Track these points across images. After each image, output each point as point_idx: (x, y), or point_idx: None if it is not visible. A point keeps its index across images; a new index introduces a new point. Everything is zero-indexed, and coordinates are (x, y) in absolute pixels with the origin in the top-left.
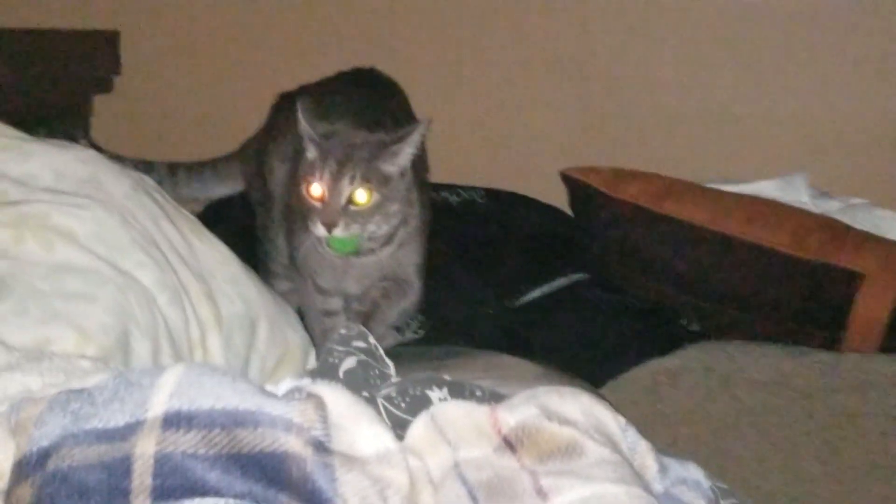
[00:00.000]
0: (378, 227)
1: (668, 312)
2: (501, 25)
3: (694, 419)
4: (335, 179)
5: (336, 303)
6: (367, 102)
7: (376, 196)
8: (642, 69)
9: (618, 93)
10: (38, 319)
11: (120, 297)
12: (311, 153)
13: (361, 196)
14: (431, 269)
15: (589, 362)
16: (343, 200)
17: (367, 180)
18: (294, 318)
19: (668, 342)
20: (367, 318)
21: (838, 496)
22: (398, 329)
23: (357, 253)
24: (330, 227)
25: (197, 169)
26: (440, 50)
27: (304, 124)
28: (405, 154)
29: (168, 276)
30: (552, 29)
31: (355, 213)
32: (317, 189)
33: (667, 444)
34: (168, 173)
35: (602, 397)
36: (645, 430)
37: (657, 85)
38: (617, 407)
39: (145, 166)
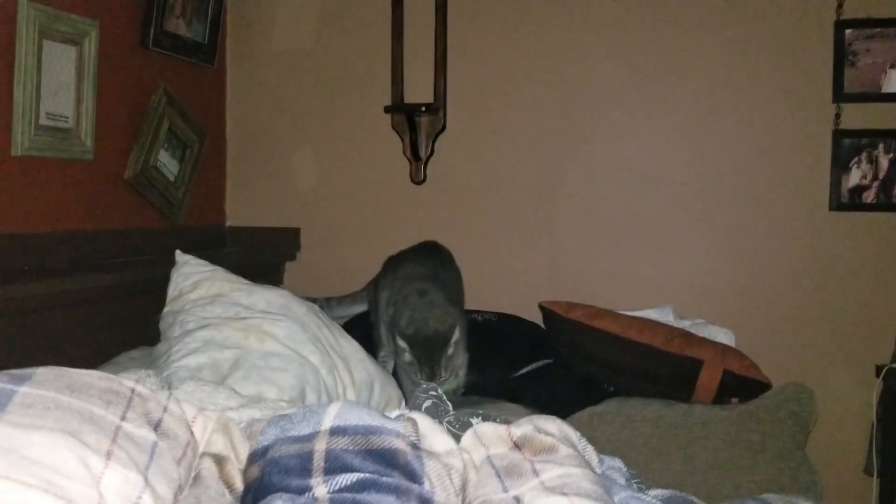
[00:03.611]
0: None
1: (597, 381)
2: (507, 223)
3: (613, 441)
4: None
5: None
6: (433, 263)
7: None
8: (584, 249)
9: (570, 261)
10: (256, 382)
11: (300, 370)
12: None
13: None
14: (468, 360)
15: (552, 409)
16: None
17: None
18: (393, 382)
19: (597, 397)
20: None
21: (694, 484)
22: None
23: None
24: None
25: (342, 299)
26: (474, 236)
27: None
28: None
29: (326, 358)
30: (534, 226)
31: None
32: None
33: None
34: (326, 303)
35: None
36: None
37: (593, 256)
38: None
39: (313, 300)
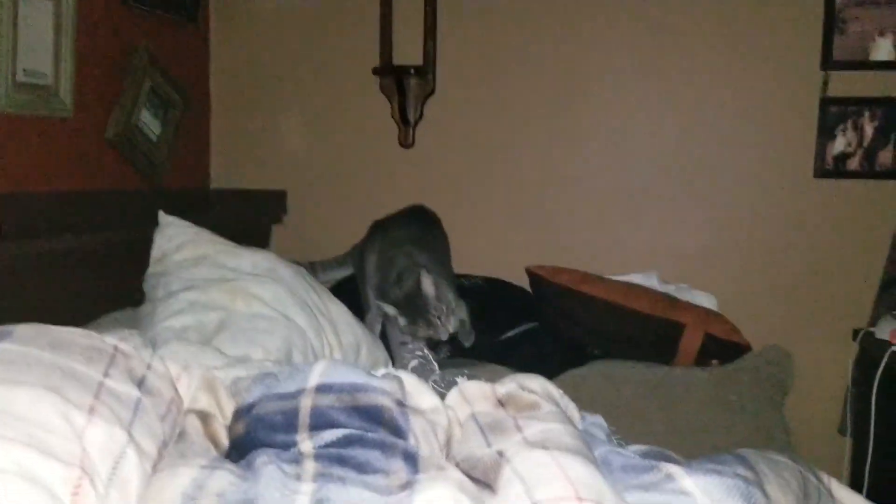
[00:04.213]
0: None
1: (581, 344)
2: (498, 191)
3: (594, 402)
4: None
5: (407, 338)
6: (420, 228)
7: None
8: (571, 215)
9: (558, 226)
10: (242, 344)
11: (287, 332)
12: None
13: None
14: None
15: (538, 371)
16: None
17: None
18: (381, 345)
19: (582, 360)
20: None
21: (674, 444)
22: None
23: None
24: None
25: (328, 264)
26: (464, 202)
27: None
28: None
29: (313, 321)
30: (521, 193)
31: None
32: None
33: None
34: (311, 268)
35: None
36: None
37: (580, 221)
38: None
39: (298, 264)
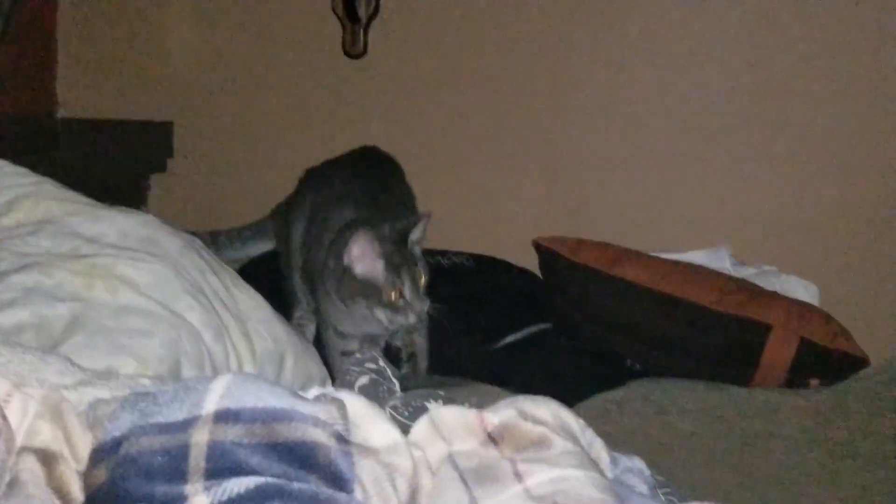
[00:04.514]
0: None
1: (615, 355)
2: (492, 126)
3: (635, 440)
4: (415, 283)
5: (353, 344)
6: (372, 179)
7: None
8: (601, 161)
9: (579, 176)
10: (105, 351)
11: (173, 333)
12: (379, 270)
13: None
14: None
15: (552, 394)
16: (422, 293)
17: (424, 271)
18: (314, 354)
19: (615, 378)
20: (412, 357)
21: (751, 501)
22: (399, 366)
23: None
24: (421, 311)
25: (236, 233)
26: (438, 140)
27: (377, 248)
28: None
29: (212, 317)
30: (527, 126)
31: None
32: (405, 291)
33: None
34: (211, 239)
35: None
36: None
37: (612, 173)
38: None
39: (193, 235)
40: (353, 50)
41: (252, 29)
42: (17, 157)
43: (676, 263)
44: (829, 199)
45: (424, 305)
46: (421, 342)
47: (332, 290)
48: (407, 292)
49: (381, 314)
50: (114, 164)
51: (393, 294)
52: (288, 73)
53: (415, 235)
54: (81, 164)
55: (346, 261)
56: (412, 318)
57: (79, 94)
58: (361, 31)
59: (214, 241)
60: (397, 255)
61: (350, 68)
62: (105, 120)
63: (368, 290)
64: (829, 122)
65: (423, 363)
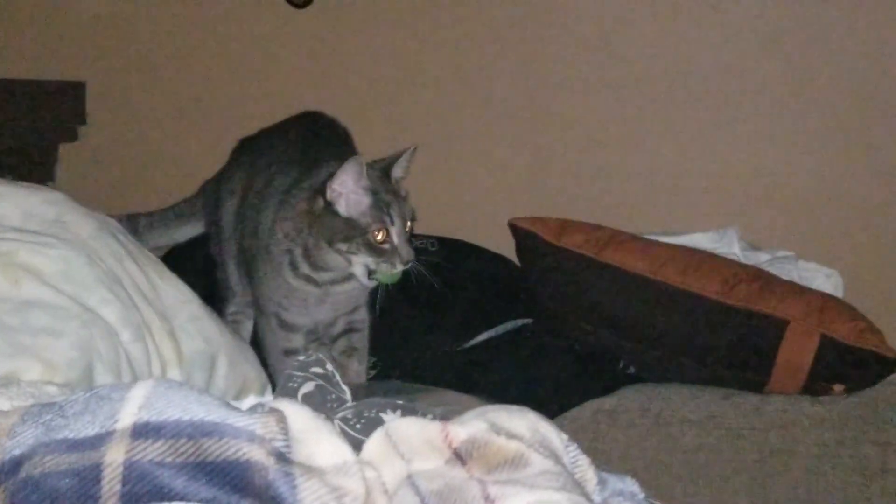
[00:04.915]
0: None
1: (607, 356)
2: (457, 86)
3: (630, 455)
4: (403, 220)
5: (298, 340)
6: (314, 139)
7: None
8: (587, 128)
9: (564, 149)
10: (4, 353)
11: (85, 332)
12: (366, 206)
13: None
14: (384, 312)
15: (532, 402)
16: (409, 234)
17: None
18: (252, 356)
19: (607, 384)
20: (348, 360)
21: None
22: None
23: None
24: (409, 260)
25: (158, 215)
26: (397, 106)
27: (365, 180)
28: None
29: (132, 313)
30: (504, 87)
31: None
32: (393, 232)
33: None
34: (130, 223)
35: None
36: None
37: (601, 143)
38: None
39: (111, 217)
40: None
41: None
42: None
43: (677, 248)
44: (855, 174)
45: (412, 254)
46: (361, 338)
47: (299, 241)
48: (395, 234)
49: (362, 260)
50: (15, 132)
51: (380, 235)
52: (221, 26)
53: (397, 172)
54: None
55: (329, 195)
56: (399, 266)
57: None
58: None
59: (134, 223)
60: (385, 191)
61: (293, 19)
62: (5, 79)
63: (351, 232)
64: (858, 80)
65: (362, 365)
